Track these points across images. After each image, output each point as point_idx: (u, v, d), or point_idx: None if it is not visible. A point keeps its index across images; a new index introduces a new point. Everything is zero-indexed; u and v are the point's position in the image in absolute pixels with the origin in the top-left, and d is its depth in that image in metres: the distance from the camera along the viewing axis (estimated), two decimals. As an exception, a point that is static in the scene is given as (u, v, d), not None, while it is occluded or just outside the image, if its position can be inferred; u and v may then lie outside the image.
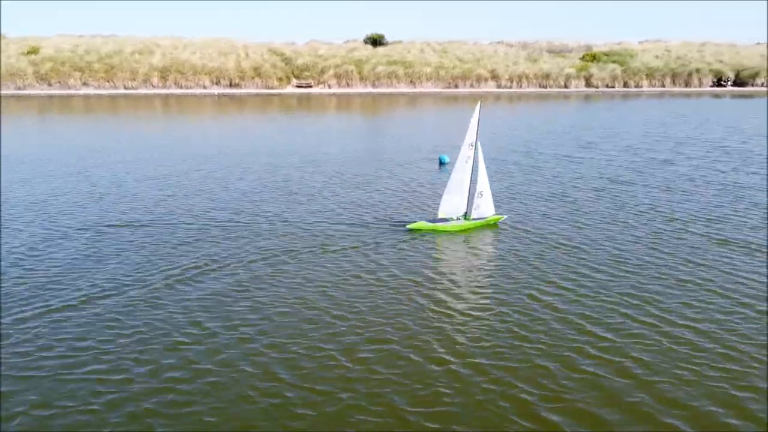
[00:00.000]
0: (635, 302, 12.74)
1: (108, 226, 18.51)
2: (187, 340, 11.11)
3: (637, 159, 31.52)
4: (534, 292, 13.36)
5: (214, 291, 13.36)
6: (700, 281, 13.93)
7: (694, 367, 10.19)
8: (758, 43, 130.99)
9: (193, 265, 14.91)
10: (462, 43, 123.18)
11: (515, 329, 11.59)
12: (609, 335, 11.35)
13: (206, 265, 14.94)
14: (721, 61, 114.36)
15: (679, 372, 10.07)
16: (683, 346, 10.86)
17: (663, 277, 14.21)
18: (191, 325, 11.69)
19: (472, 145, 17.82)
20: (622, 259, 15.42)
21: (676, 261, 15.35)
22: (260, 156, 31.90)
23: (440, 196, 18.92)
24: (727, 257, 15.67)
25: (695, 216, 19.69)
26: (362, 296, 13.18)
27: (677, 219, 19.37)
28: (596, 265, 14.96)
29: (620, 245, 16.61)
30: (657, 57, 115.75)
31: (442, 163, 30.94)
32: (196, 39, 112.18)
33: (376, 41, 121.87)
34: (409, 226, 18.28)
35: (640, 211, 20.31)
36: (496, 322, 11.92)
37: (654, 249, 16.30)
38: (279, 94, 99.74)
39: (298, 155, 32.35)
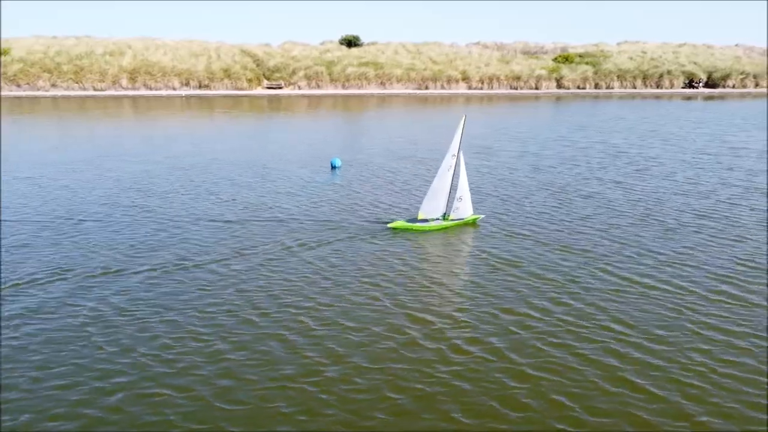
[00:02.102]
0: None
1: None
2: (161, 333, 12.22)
3: (517, 164, 31.64)
4: (509, 287, 14.59)
5: (189, 286, 14.49)
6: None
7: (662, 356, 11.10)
8: (737, 45, 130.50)
9: (151, 266, 16.10)
10: (437, 45, 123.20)
11: (494, 324, 12.58)
12: (584, 323, 12.47)
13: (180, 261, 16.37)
14: (695, 63, 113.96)
15: (656, 365, 10.93)
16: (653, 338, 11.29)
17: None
18: (164, 322, 12.81)
19: (454, 156, 19.15)
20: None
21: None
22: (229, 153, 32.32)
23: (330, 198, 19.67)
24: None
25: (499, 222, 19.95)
26: (345, 291, 14.32)
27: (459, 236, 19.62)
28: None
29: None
30: (631, 58, 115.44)
31: (333, 167, 31.22)
32: (169, 40, 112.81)
33: (351, 42, 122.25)
34: (390, 225, 19.55)
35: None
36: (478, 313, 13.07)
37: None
38: (248, 96, 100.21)
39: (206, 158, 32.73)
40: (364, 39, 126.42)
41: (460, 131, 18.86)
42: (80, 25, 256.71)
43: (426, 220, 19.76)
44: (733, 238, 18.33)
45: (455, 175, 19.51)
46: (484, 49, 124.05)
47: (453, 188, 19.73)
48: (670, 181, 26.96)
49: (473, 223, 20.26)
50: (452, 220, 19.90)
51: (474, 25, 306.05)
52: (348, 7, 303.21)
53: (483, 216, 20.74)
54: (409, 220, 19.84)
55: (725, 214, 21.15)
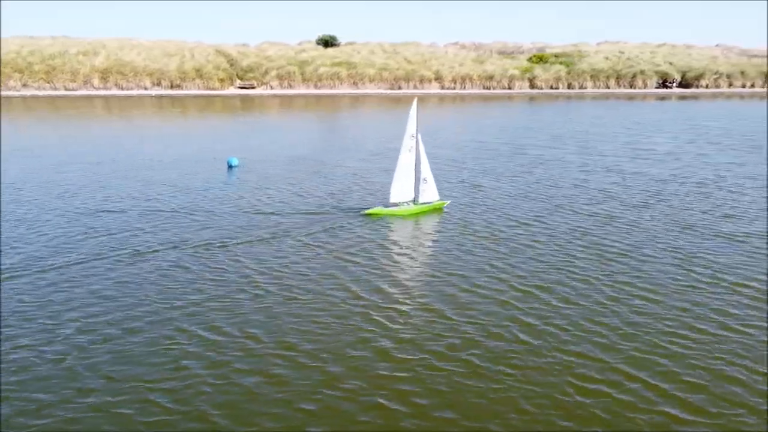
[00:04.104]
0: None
1: None
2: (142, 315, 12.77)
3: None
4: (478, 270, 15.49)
5: (171, 272, 15.15)
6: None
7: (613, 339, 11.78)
8: (717, 45, 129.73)
9: (138, 249, 17.07)
10: (415, 44, 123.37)
11: (465, 307, 13.23)
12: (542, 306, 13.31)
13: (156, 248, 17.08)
14: (670, 63, 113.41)
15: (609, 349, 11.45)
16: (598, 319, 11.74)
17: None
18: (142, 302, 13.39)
19: (413, 136, 20.40)
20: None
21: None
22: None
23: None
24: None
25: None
26: (327, 275, 15.13)
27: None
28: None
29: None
30: (607, 58, 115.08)
31: (230, 167, 31.25)
32: (145, 40, 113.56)
33: (327, 42, 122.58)
34: (365, 212, 20.88)
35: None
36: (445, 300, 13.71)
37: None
38: (220, 96, 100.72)
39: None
40: (346, 39, 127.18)
41: (414, 113, 20.05)
42: (74, 25, 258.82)
43: (397, 204, 21.13)
44: (527, 243, 18.18)
45: (417, 157, 20.72)
46: (461, 49, 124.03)
47: (417, 171, 20.86)
48: (534, 185, 26.95)
49: (440, 209, 21.66)
50: (421, 204, 21.28)
51: (460, 25, 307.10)
52: (334, 8, 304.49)
53: (449, 202, 22.29)
54: (384, 207, 21.17)
55: (551, 218, 21.00)
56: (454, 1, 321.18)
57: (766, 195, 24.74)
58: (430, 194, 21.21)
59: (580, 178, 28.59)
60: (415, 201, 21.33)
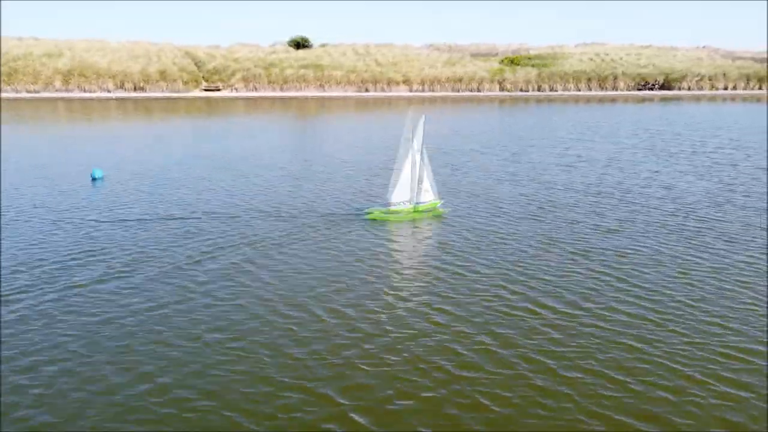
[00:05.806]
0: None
1: None
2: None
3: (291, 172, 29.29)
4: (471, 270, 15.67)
5: (175, 282, 14.87)
6: None
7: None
8: (704, 46, 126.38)
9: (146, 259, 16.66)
10: (388, 46, 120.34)
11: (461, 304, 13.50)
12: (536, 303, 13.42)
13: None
14: (653, 65, 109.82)
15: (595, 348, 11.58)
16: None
17: None
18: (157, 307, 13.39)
19: (418, 150, 21.35)
20: None
21: None
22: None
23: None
24: None
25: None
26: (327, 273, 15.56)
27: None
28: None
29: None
30: (591, 59, 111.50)
31: (94, 179, 29.22)
32: (113, 42, 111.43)
33: (299, 44, 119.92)
34: (367, 216, 21.63)
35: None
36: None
37: None
38: (184, 98, 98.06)
39: None
40: (324, 40, 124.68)
41: (421, 129, 20.98)
42: (48, 26, 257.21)
43: (397, 211, 21.89)
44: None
45: (420, 168, 21.60)
46: (435, 50, 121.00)
47: (419, 179, 21.82)
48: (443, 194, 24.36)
49: (439, 215, 22.10)
50: (420, 203, 22.04)
51: (448, 26, 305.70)
52: (313, 8, 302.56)
53: (442, 201, 22.63)
54: (383, 211, 21.79)
55: (428, 229, 19.46)
56: (444, 2, 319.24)
57: (663, 209, 22.10)
58: (429, 196, 22.05)
59: (486, 185, 26.84)
60: (414, 206, 22.04)
